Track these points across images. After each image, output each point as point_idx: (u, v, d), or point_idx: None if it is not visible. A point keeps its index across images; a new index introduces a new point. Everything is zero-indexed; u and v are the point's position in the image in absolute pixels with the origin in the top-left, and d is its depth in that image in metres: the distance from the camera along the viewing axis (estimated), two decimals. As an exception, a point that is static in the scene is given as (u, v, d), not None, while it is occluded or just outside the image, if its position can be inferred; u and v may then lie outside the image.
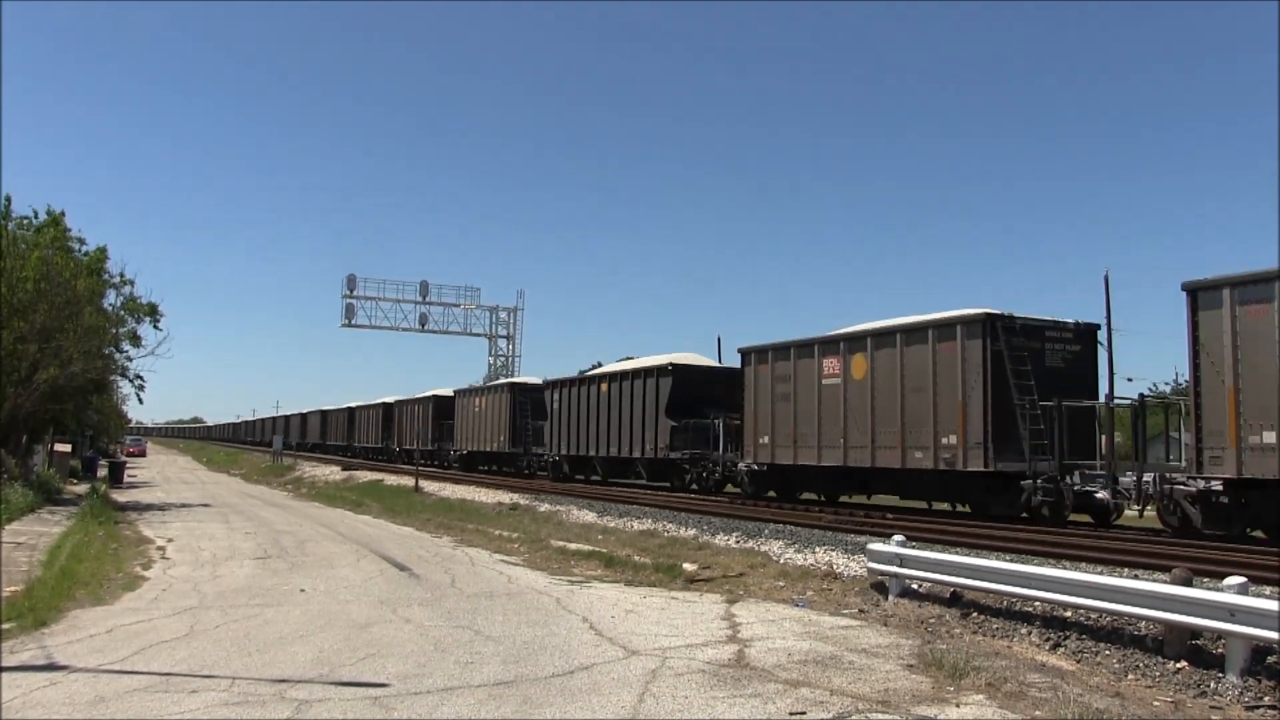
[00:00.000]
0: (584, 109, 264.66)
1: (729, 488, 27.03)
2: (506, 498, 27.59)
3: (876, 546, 12.02)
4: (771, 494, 24.80)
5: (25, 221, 28.12)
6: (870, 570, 12.10)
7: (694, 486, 27.68)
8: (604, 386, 32.16)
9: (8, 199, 27.28)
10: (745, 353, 25.21)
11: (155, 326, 31.41)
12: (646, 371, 29.98)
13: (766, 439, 23.88)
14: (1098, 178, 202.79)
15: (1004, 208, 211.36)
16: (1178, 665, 8.19)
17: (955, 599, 10.96)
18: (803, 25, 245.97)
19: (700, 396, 28.29)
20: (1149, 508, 16.90)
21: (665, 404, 28.50)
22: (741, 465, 25.06)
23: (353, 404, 68.18)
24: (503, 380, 41.13)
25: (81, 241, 30.13)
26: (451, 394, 48.20)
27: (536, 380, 40.56)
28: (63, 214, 29.29)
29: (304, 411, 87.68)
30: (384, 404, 58.63)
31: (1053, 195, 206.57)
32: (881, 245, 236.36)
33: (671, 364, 29.18)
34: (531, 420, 38.18)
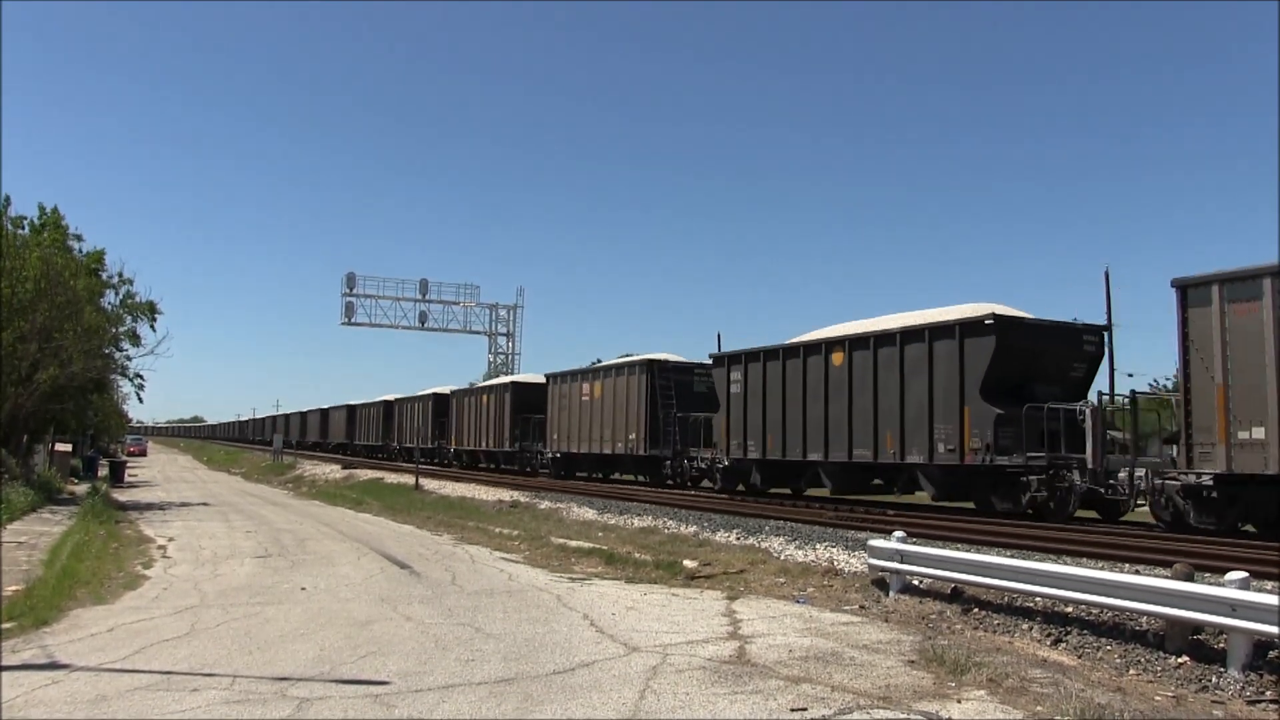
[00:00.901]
0: (583, 108, 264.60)
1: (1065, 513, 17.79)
2: (507, 495, 27.59)
3: (877, 543, 12.02)
4: (1250, 528, 15.47)
5: (21, 220, 28.14)
6: (871, 566, 12.09)
7: (1029, 510, 18.32)
8: (837, 357, 21.71)
9: (6, 198, 27.33)
10: (1203, 284, 15.33)
11: (152, 326, 31.45)
12: (937, 330, 19.45)
13: None
14: (1096, 177, 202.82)
15: (1001, 206, 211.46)
16: (1179, 660, 8.19)
17: (956, 595, 10.96)
18: (802, 26, 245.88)
19: (1029, 369, 18.83)
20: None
21: (981, 379, 18.36)
22: (1138, 475, 16.37)
23: (390, 396, 58.69)
24: (637, 357, 31.43)
25: (79, 239, 30.17)
26: (541, 380, 38.39)
27: (678, 358, 31.37)
28: (56, 209, 29.35)
29: (325, 407, 77.46)
30: (435, 395, 49.86)
31: (1050, 194, 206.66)
32: (880, 244, 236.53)
33: (995, 315, 18.67)
34: (678, 410, 28.78)
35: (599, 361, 39.53)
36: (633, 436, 30.36)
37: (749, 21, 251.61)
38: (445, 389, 50.20)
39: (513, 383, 40.41)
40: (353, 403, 67.84)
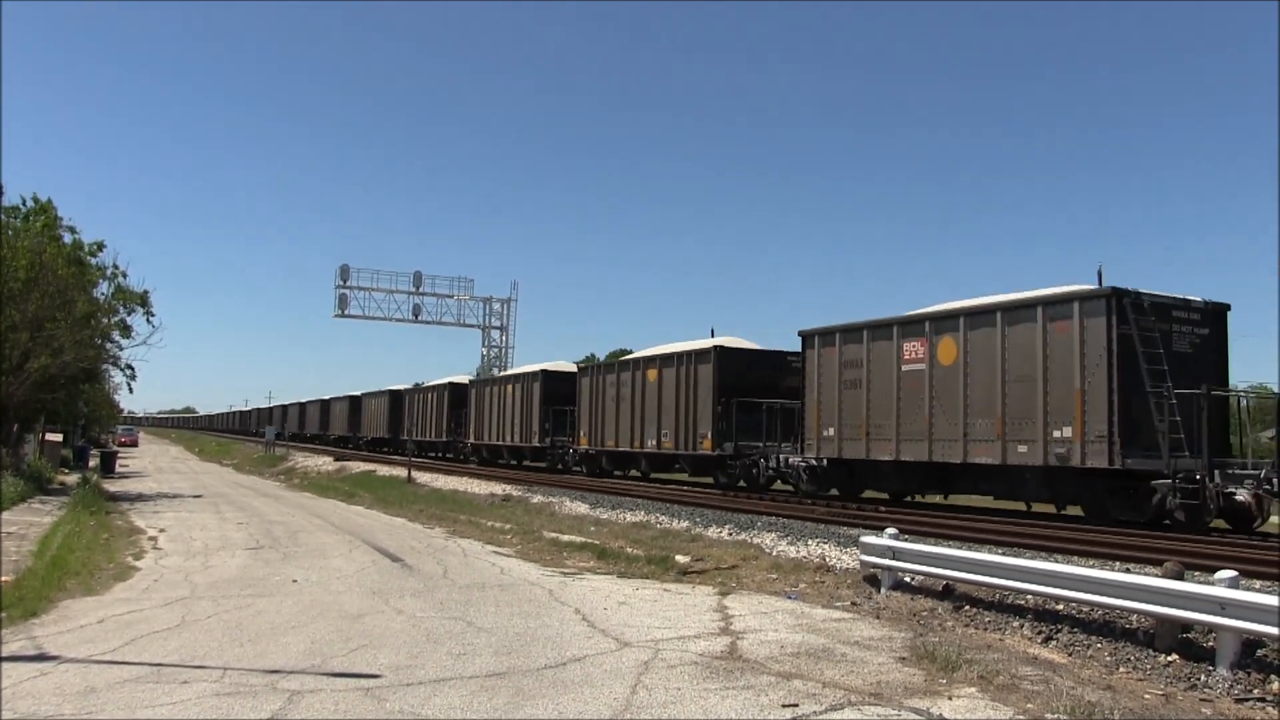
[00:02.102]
0: (577, 102, 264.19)
1: None
2: (499, 489, 27.55)
3: (869, 539, 12.04)
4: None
5: (14, 210, 27.97)
6: (863, 563, 12.11)
7: None
8: None
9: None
10: None
11: (148, 321, 31.27)
12: None
13: None
14: (1100, 171, 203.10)
15: (998, 204, 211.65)
16: (1169, 658, 8.22)
17: (948, 592, 10.98)
18: (796, 20, 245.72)
19: None
20: None
21: None
22: None
23: (457, 378, 45.41)
24: (1078, 287, 17.48)
25: (72, 230, 29.96)
26: (755, 348, 26.60)
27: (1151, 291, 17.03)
28: (50, 202, 29.12)
29: (356, 394, 64.48)
30: (543, 372, 36.22)
31: (1050, 190, 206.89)
32: (878, 238, 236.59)
33: None
34: (1173, 384, 16.06)
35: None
36: (1064, 434, 16.90)
37: (743, 14, 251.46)
38: (564, 366, 37.14)
39: (714, 348, 25.53)
40: (397, 388, 54.64)
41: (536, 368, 37.04)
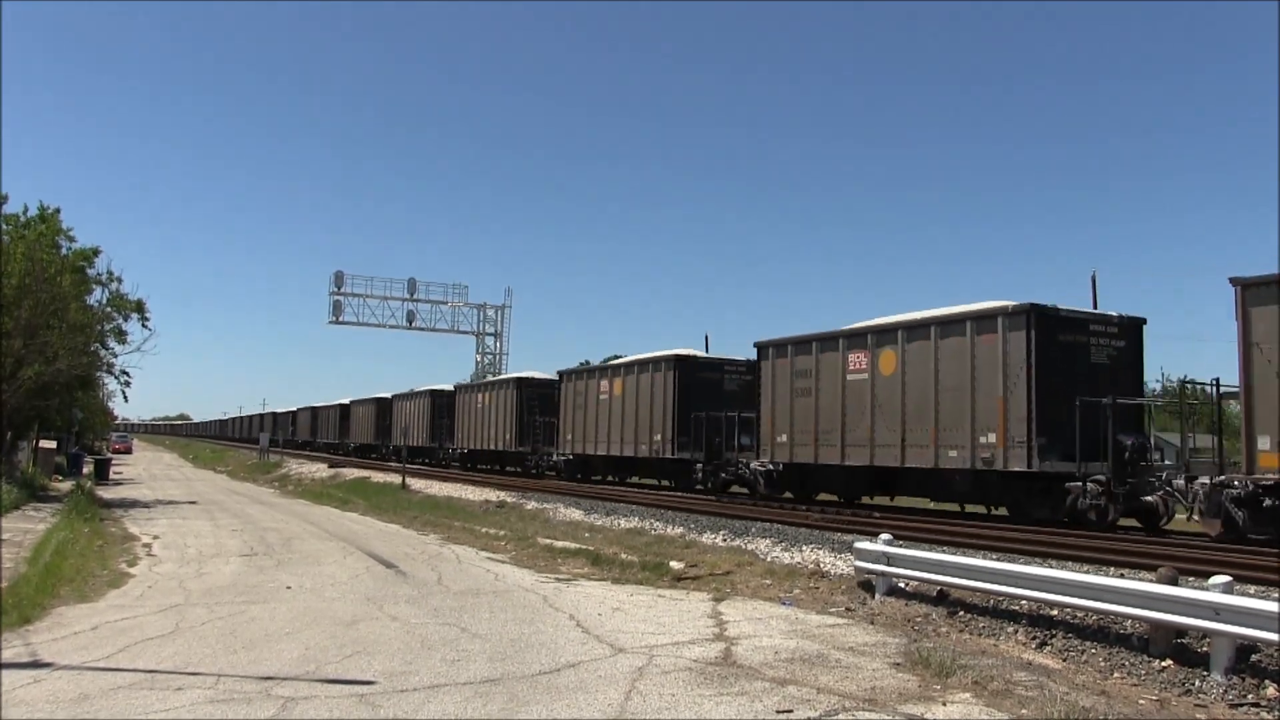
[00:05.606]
0: (572, 109, 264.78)
1: None
2: (494, 495, 27.50)
3: (864, 545, 12.04)
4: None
5: (14, 218, 27.89)
6: (857, 569, 12.12)
7: None
8: None
9: (5, 196, 27.07)
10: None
11: (144, 325, 31.17)
12: None
13: None
14: (1095, 179, 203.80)
15: (998, 210, 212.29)
16: (1163, 664, 8.23)
17: (942, 598, 10.99)
18: (793, 28, 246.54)
19: None
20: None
21: None
22: None
23: (531, 373, 37.70)
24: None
25: (70, 239, 29.86)
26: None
27: None
28: (57, 211, 29.01)
29: (385, 395, 55.01)
30: (676, 358, 27.57)
31: (1043, 198, 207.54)
32: (872, 245, 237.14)
33: None
34: None
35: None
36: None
37: (738, 22, 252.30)
38: (764, 340, 23.93)
39: (1036, 309, 17.12)
40: (442, 386, 44.72)
41: (669, 353, 28.04)
